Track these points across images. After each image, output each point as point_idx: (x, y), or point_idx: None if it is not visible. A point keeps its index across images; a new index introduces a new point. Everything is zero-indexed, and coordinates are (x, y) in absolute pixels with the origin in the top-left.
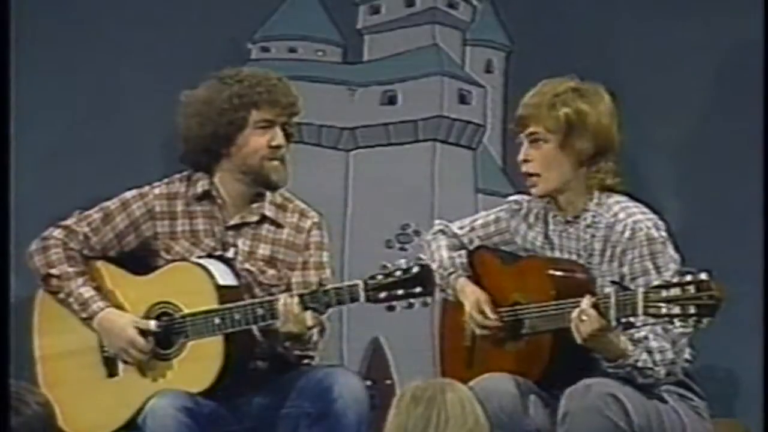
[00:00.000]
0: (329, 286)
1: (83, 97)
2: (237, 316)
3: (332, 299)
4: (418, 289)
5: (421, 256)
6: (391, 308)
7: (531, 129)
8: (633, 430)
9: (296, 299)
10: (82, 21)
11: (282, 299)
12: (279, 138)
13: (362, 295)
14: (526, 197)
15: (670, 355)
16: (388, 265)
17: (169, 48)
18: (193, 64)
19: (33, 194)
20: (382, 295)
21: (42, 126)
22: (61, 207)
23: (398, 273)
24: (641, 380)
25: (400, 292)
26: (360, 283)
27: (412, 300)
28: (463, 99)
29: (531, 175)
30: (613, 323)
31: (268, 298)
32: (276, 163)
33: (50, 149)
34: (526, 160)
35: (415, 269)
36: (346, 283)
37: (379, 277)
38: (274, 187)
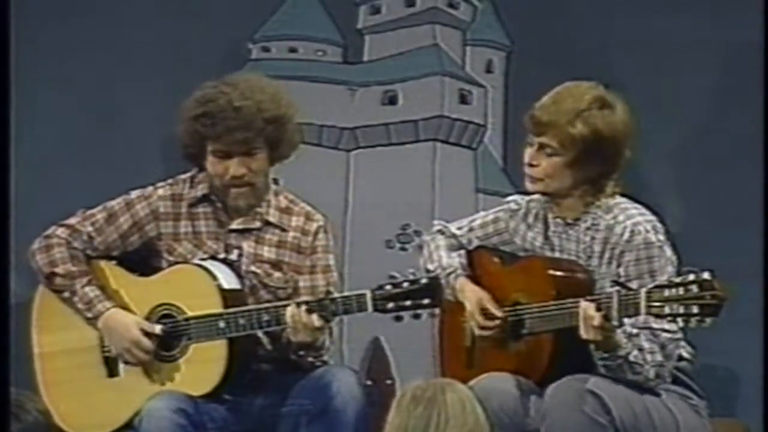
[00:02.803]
0: (337, 295)
1: (83, 97)
2: (242, 321)
3: (339, 308)
4: (426, 301)
5: (421, 258)
6: (398, 318)
7: (545, 140)
8: (614, 426)
9: (304, 308)
10: (82, 21)
11: (289, 310)
12: (235, 167)
13: (370, 304)
14: (525, 197)
15: (659, 357)
16: (397, 275)
17: (170, 48)
18: (193, 64)
19: (33, 194)
20: (390, 305)
21: (42, 127)
22: (61, 207)
23: (406, 284)
24: (631, 376)
25: (408, 303)
26: (368, 292)
27: (419, 311)
28: (463, 99)
29: (533, 176)
30: (616, 323)
31: (274, 304)
32: (240, 190)
33: (50, 149)
34: (531, 164)
35: (424, 280)
36: (354, 292)
37: (388, 287)
38: (236, 212)
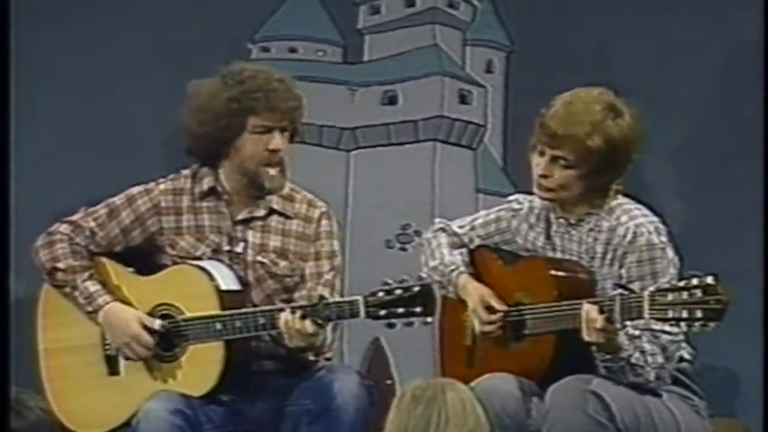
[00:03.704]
0: (330, 300)
1: (83, 97)
2: (238, 324)
3: (332, 313)
4: (418, 309)
5: (422, 256)
6: (391, 325)
7: (561, 153)
8: (616, 427)
9: (298, 314)
10: (81, 21)
11: (283, 317)
12: (276, 142)
13: (362, 311)
14: (527, 197)
15: (660, 359)
16: (390, 281)
17: (170, 48)
18: (193, 64)
19: (33, 194)
20: (383, 312)
21: (42, 126)
22: (61, 207)
23: (399, 291)
24: (632, 378)
25: (401, 310)
26: (360, 299)
27: (412, 319)
28: (463, 99)
29: (545, 186)
30: (618, 326)
31: (269, 307)
32: (272, 171)
33: (50, 149)
34: (545, 176)
35: (416, 288)
36: (347, 298)
37: (380, 294)
38: (268, 193)
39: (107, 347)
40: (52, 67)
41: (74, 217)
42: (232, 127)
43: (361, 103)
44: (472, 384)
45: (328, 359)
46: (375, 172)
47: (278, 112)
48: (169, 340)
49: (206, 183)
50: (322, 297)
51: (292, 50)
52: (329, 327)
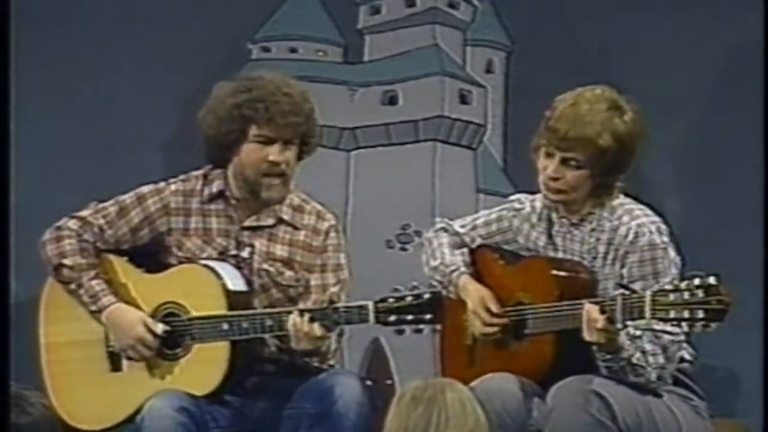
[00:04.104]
0: (339, 305)
1: (83, 97)
2: (245, 325)
3: (342, 318)
4: (428, 316)
5: (423, 255)
6: (400, 332)
7: (572, 155)
8: (618, 427)
9: (306, 317)
10: (82, 20)
11: (291, 319)
12: (276, 154)
13: (372, 317)
14: (528, 196)
15: (661, 359)
16: (400, 288)
17: (170, 48)
18: (193, 64)
19: (33, 194)
20: (392, 318)
21: (42, 126)
22: (61, 206)
23: (409, 298)
24: (633, 378)
25: (410, 317)
26: (370, 304)
27: (421, 326)
28: (463, 99)
29: (556, 188)
30: (620, 326)
31: (277, 309)
32: (272, 181)
33: (50, 149)
34: (556, 178)
35: (427, 296)
36: (357, 303)
37: (390, 300)
38: (265, 204)
39: (110, 343)
40: (52, 67)
41: (83, 213)
42: (233, 133)
43: (361, 103)
44: (473, 384)
45: (330, 366)
46: (375, 172)
47: (276, 125)
48: (173, 339)
49: (216, 186)
50: (331, 301)
51: (292, 50)
52: (334, 338)
